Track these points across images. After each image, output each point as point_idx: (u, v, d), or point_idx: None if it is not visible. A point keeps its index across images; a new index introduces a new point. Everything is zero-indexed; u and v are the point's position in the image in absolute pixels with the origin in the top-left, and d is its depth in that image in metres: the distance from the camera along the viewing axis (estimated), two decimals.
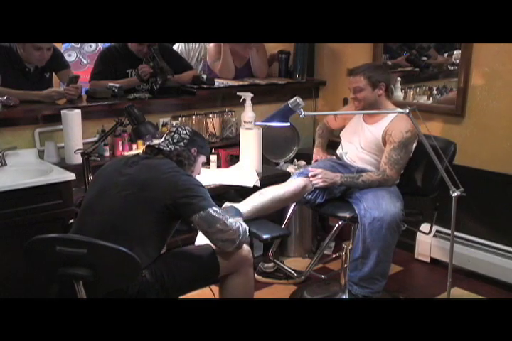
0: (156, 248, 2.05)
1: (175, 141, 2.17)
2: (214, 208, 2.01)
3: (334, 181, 2.64)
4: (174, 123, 3.17)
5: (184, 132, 2.21)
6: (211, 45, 3.66)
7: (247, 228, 2.14)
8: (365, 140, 2.76)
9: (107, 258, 1.81)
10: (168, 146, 2.16)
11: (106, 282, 1.85)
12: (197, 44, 3.93)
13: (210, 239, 2.07)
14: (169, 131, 2.25)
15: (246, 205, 2.55)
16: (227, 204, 2.52)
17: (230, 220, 2.05)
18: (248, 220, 2.52)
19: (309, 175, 2.67)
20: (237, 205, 2.51)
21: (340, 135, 2.93)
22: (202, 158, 2.26)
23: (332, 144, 3.12)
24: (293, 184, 2.68)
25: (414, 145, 2.68)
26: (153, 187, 1.99)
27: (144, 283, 1.96)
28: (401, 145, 2.61)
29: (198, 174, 2.28)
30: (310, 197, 2.69)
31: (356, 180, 2.64)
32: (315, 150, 3.11)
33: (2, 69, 2.94)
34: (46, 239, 1.81)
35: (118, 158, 2.27)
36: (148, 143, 2.38)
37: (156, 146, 2.17)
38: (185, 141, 2.18)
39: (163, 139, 2.22)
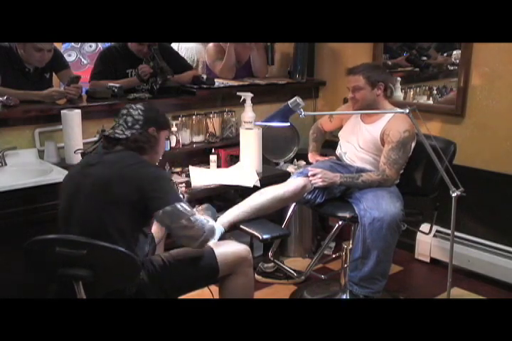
0: (142, 245, 2.00)
1: (129, 124, 2.02)
2: (180, 203, 1.92)
3: (333, 181, 2.64)
4: (175, 123, 3.17)
5: (136, 113, 2.04)
6: (210, 44, 3.67)
7: (215, 226, 2.08)
8: (364, 139, 2.76)
9: (107, 258, 1.80)
10: (124, 132, 2.00)
11: (105, 282, 1.85)
12: (184, 45, 3.93)
13: (173, 235, 2.00)
14: (120, 115, 2.06)
15: (244, 206, 2.57)
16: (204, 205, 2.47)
17: (197, 216, 1.97)
18: (248, 220, 2.53)
19: (309, 174, 2.68)
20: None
21: (339, 135, 2.93)
22: (164, 134, 2.12)
23: (332, 144, 3.12)
24: (292, 184, 2.68)
25: (413, 144, 2.68)
26: (118, 185, 1.90)
27: (142, 285, 1.95)
28: (399, 145, 2.62)
29: (164, 150, 2.17)
30: (310, 196, 2.69)
31: (356, 180, 2.64)
32: (310, 155, 3.10)
33: (2, 70, 2.94)
34: (46, 240, 1.81)
35: (81, 160, 2.11)
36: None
37: (112, 135, 2.01)
38: (140, 122, 2.02)
39: (117, 124, 2.05)
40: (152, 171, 1.96)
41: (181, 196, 2.04)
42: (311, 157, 3.09)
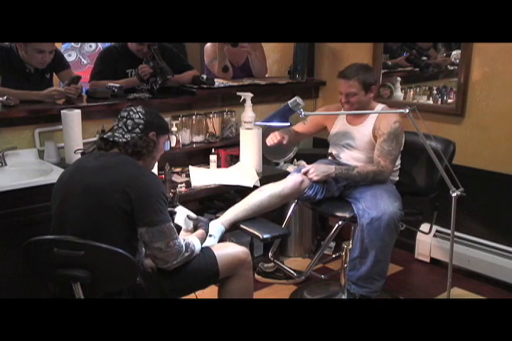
0: (140, 248, 1.98)
1: (129, 128, 1.97)
2: (165, 225, 1.88)
3: (328, 173, 2.64)
4: (175, 123, 3.17)
5: (137, 116, 1.99)
6: (208, 44, 3.67)
7: (190, 253, 1.97)
8: (354, 142, 2.76)
9: (104, 259, 1.80)
10: (123, 136, 1.96)
11: (104, 283, 1.85)
12: None
13: (146, 250, 1.95)
14: (120, 117, 2.01)
15: (244, 204, 2.58)
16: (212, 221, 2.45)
17: (176, 241, 1.91)
18: (248, 220, 2.54)
19: (302, 171, 2.69)
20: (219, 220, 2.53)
21: (328, 139, 2.91)
22: (163, 139, 2.09)
23: (328, 144, 3.10)
24: (290, 180, 2.69)
25: (403, 136, 2.68)
26: (111, 193, 1.85)
27: (140, 289, 1.94)
28: (391, 136, 2.62)
29: (162, 153, 2.14)
30: (310, 193, 2.69)
31: (351, 171, 2.65)
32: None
33: (2, 70, 2.94)
34: (44, 241, 1.81)
35: (75, 162, 2.07)
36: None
37: (111, 138, 1.96)
38: (140, 126, 1.97)
39: (116, 127, 2.00)
40: (145, 184, 1.89)
41: (169, 217, 1.94)
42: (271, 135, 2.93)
